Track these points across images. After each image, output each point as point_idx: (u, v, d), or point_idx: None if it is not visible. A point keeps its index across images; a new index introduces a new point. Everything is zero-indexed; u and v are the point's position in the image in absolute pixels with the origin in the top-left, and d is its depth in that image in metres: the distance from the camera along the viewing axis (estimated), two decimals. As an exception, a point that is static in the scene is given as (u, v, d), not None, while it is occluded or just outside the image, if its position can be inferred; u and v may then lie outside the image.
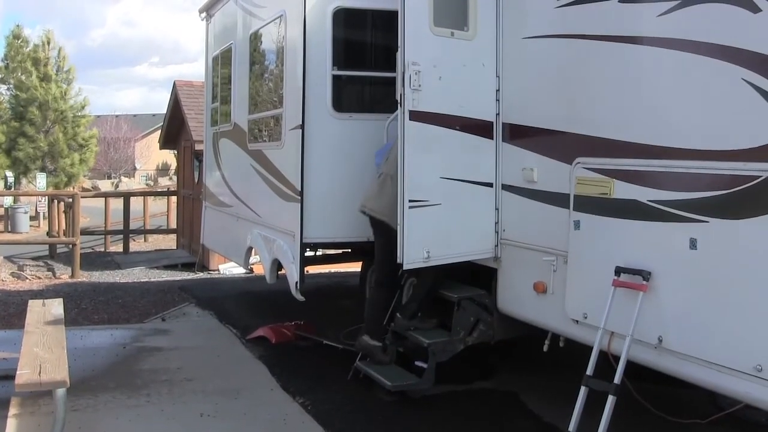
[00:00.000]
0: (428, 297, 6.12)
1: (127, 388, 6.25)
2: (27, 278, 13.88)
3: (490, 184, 5.68)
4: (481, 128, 5.64)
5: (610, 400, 4.31)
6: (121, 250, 18.09)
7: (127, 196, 19.38)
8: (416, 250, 5.34)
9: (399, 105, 5.27)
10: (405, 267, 5.37)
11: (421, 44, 5.26)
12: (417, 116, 5.27)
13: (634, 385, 4.60)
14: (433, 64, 5.31)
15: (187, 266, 15.29)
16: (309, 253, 7.58)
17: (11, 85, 32.78)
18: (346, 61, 6.74)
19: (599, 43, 4.73)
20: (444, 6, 5.41)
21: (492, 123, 5.66)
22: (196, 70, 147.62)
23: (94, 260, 16.62)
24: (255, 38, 8.25)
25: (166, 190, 26.73)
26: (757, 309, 3.72)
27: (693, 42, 4.07)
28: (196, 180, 15.35)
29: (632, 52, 4.48)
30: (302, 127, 6.66)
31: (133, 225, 20.29)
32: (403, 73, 5.19)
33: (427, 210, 5.35)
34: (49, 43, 33.35)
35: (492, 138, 5.66)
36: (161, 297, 11.04)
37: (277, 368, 6.83)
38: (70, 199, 16.21)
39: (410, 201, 5.26)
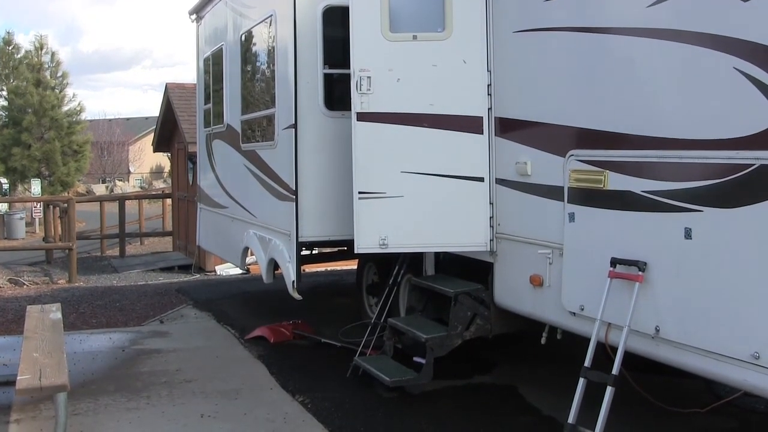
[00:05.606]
0: None
1: (127, 390, 6.25)
2: (24, 284, 13.88)
3: (480, 179, 5.73)
4: (463, 123, 5.74)
5: (609, 391, 4.32)
6: (117, 253, 18.10)
7: (122, 200, 19.38)
8: (370, 237, 5.82)
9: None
10: (357, 251, 5.88)
11: (371, 51, 5.77)
12: (367, 117, 5.78)
13: (632, 376, 4.62)
14: (388, 68, 5.76)
15: (184, 268, 15.31)
16: (305, 252, 7.58)
17: (3, 91, 32.72)
18: (337, 59, 6.74)
19: (589, 35, 4.74)
20: (405, 12, 5.83)
21: (481, 118, 5.71)
22: (188, 73, 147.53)
23: (90, 264, 16.63)
24: (245, 39, 8.25)
25: (160, 192, 26.73)
26: (753, 296, 3.73)
27: (683, 32, 4.08)
28: (190, 182, 15.35)
29: (623, 43, 4.49)
30: (295, 126, 6.67)
31: (129, 228, 20.28)
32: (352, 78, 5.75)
33: (383, 201, 5.79)
34: (42, 48, 33.24)
35: (481, 133, 5.71)
36: (159, 299, 11.03)
37: (275, 367, 6.84)
38: (66, 205, 16.21)
39: (360, 192, 5.81)
